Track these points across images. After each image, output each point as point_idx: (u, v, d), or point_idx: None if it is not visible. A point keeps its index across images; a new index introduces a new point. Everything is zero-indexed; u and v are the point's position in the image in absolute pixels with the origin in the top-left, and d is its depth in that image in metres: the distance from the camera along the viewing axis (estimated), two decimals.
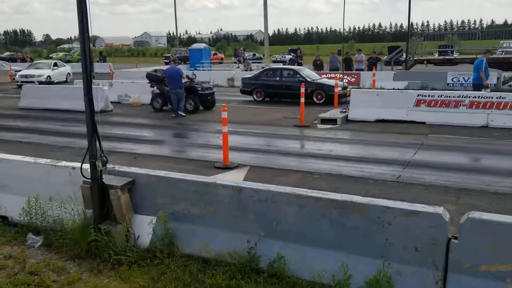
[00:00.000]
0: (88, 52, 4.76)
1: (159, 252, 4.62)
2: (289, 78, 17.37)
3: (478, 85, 13.94)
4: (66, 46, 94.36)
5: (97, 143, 4.86)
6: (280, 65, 25.20)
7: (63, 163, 5.58)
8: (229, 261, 4.35)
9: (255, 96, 18.09)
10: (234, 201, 4.55)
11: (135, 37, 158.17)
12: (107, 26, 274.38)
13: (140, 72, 24.77)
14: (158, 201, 4.94)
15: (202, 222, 4.71)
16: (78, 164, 5.07)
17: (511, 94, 12.28)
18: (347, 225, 4.10)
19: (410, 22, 26.58)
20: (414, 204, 3.99)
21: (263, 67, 30.06)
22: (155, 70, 16.68)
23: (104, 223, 4.97)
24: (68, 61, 43.32)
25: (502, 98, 12.00)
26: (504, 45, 34.52)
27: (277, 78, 17.64)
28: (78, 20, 4.68)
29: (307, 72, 18.39)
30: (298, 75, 17.30)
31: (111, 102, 16.69)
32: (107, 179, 4.99)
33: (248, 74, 20.27)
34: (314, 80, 17.18)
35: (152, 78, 15.93)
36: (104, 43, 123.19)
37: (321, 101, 16.36)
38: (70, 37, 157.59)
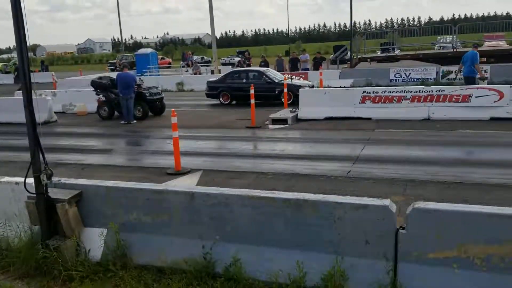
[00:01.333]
0: (26, 62, 4.56)
1: (112, 264, 4.50)
2: (255, 79, 17.16)
3: (470, 78, 13.95)
4: (5, 56, 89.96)
5: (41, 156, 4.67)
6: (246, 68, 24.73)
7: (6, 178, 5.33)
8: (185, 268, 4.29)
9: (221, 100, 17.84)
10: (187, 207, 4.51)
11: (78, 44, 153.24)
12: (48, 34, 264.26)
13: (85, 80, 24.04)
14: (108, 212, 4.81)
15: (156, 230, 4.63)
16: (21, 179, 4.85)
17: (450, 87, 12.91)
18: (301, 223, 4.16)
19: (353, 21, 27.38)
20: (363, 198, 4.11)
21: (212, 70, 30.03)
22: (100, 77, 16.26)
23: (53, 238, 4.78)
24: (7, 72, 41.38)
25: (442, 91, 12.59)
26: (441, 40, 36.28)
27: (244, 80, 17.43)
28: (14, 29, 4.48)
29: (274, 73, 18.35)
30: (264, 76, 17.23)
31: (55, 112, 16.09)
32: (53, 193, 4.81)
33: (213, 78, 19.94)
34: (281, 80, 17.06)
35: (98, 86, 15.50)
36: (45, 52, 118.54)
37: (289, 101, 16.28)
38: (9, 47, 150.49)
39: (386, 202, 3.95)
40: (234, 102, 17.62)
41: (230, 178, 7.91)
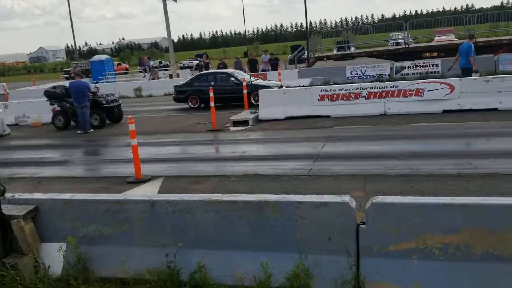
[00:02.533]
0: None
1: (72, 279, 4.37)
2: (223, 82, 16.99)
3: (467, 70, 14.02)
4: None
5: None
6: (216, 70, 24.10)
7: None
8: (148, 279, 4.23)
9: (190, 103, 17.52)
10: (148, 215, 4.44)
11: (30, 53, 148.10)
12: None
13: (38, 90, 23.25)
14: (66, 226, 4.67)
15: (117, 242, 4.53)
16: None
17: (403, 83, 13.30)
18: (264, 225, 4.17)
19: (309, 21, 27.73)
20: (323, 196, 4.17)
21: (170, 75, 29.72)
22: (54, 87, 15.75)
23: (9, 256, 4.60)
24: None
25: (396, 86, 12.94)
26: (394, 37, 37.37)
27: (212, 83, 17.05)
28: None
29: (241, 74, 18.20)
30: (232, 78, 17.05)
31: (8, 125, 15.51)
32: (7, 209, 4.63)
33: (182, 81, 19.52)
34: (249, 82, 16.90)
35: (52, 95, 15.04)
36: None
37: (258, 102, 16.14)
38: None
39: (346, 198, 4.02)
40: (202, 105, 17.21)
41: (192, 183, 7.84)
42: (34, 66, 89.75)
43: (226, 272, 4.18)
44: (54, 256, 4.62)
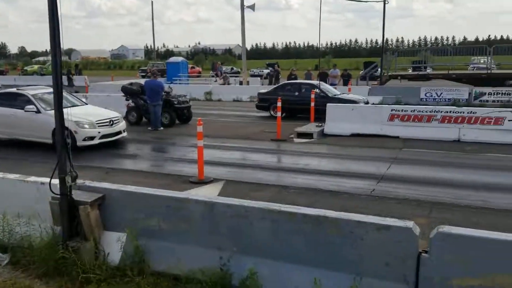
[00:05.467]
0: (59, 67, 4.68)
1: (129, 269, 4.51)
2: (308, 93, 16.08)
3: None
4: (41, 58, 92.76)
5: (67, 158, 4.75)
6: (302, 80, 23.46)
7: (32, 178, 5.44)
8: (200, 278, 4.26)
9: (272, 112, 17.28)
10: (207, 216, 4.50)
11: (112, 50, 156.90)
12: (83, 39, 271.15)
13: (116, 85, 24.49)
14: (129, 217, 4.84)
15: (174, 238, 4.63)
16: (47, 179, 4.94)
17: (482, 109, 12.60)
18: (321, 240, 4.08)
19: (385, 38, 27.13)
20: (386, 219, 4.01)
21: (240, 81, 30.22)
22: (131, 83, 16.53)
23: (73, 240, 4.84)
24: (43, 74, 42.64)
25: (473, 113, 12.28)
26: (475, 61, 35.58)
27: (296, 93, 16.98)
28: (50, 36, 4.60)
29: (327, 87, 17.96)
30: (318, 90, 16.40)
31: None
32: (76, 195, 4.87)
33: (264, 89, 19.37)
34: (335, 95, 16.69)
35: (128, 91, 15.78)
36: (80, 56, 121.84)
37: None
38: (46, 50, 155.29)
39: (409, 224, 3.84)
40: (283, 114, 16.07)
41: (252, 190, 7.88)
42: (114, 63, 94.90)
43: (277, 282, 4.14)
44: (114, 245, 4.80)
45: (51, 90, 12.28)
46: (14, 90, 12.74)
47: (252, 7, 27.22)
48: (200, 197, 4.74)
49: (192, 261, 4.45)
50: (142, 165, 10.20)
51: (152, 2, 52.41)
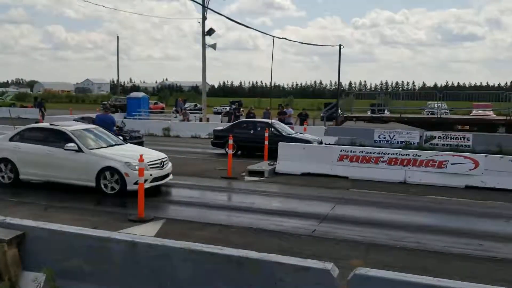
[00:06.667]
0: None
1: None
2: (263, 131, 16.08)
3: None
4: None
5: None
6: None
7: None
8: None
9: (227, 149, 16.54)
10: (128, 257, 4.38)
11: (76, 84, 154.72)
12: (48, 72, 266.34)
13: (72, 119, 24.02)
14: (49, 257, 4.65)
15: (94, 279, 4.46)
16: None
17: (427, 152, 13.03)
18: (241, 281, 4.02)
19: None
20: (306, 260, 4.00)
21: (200, 118, 30.28)
22: (83, 117, 16.38)
23: None
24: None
25: (418, 155, 12.67)
26: (430, 106, 37.12)
27: (251, 131, 17.14)
28: None
29: (282, 126, 18.14)
30: (272, 129, 16.64)
31: None
32: None
33: (221, 127, 19.38)
34: (289, 134, 16.90)
35: None
36: (42, 88, 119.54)
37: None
38: (7, 81, 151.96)
39: (328, 266, 3.85)
40: (239, 152, 16.87)
41: (193, 229, 7.75)
42: (78, 97, 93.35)
43: None
44: (31, 286, 4.58)
45: (87, 126, 11.51)
46: (47, 125, 11.47)
47: (213, 46, 27.68)
48: (122, 236, 4.62)
49: None
50: (83, 202, 9.84)
51: (118, 36, 52.46)
